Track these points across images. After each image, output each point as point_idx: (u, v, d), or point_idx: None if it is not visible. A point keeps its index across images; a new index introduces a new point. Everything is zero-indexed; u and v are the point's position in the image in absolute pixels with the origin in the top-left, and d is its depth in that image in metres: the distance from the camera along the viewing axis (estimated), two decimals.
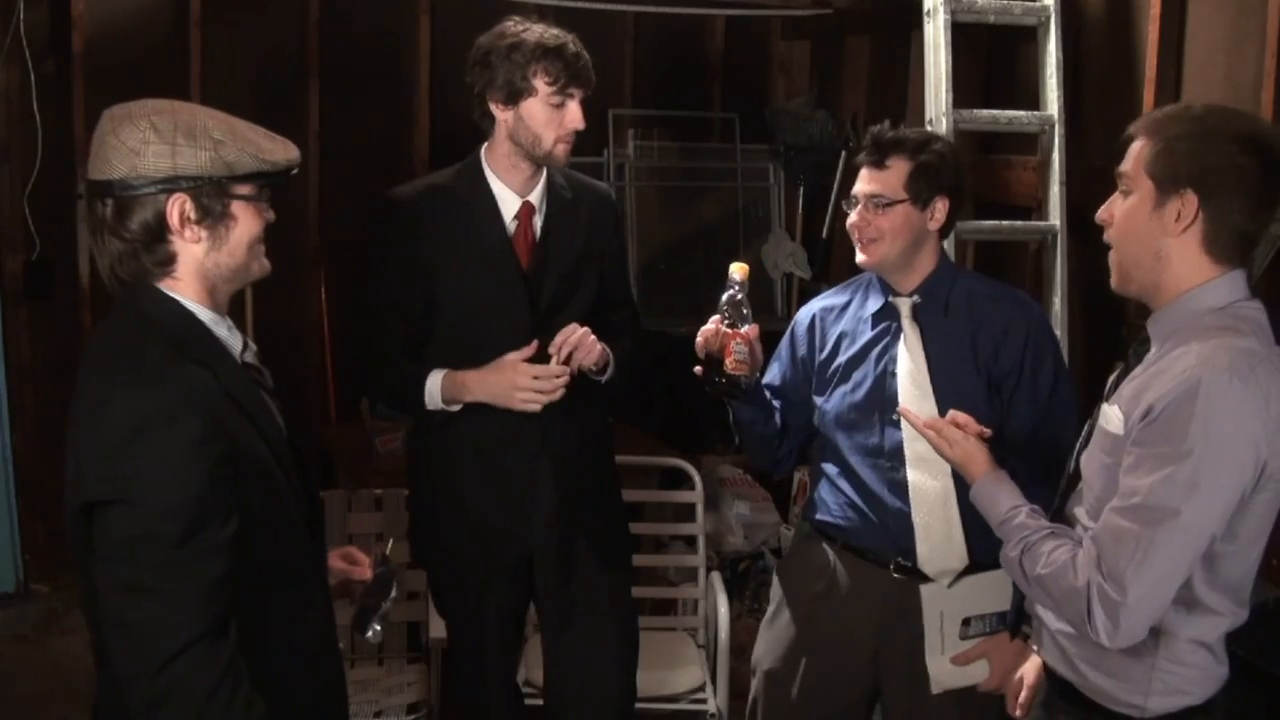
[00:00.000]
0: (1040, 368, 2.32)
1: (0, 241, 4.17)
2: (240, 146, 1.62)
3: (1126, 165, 1.76)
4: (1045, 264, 3.49)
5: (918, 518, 2.31)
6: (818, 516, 2.47)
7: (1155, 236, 1.72)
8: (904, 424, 2.28)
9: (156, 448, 1.52)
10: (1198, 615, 1.73)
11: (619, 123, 4.98)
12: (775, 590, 2.57)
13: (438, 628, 2.88)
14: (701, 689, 3.29)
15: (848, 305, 2.47)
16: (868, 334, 2.40)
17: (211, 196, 1.62)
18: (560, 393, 2.41)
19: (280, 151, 1.67)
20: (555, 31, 2.42)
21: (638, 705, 2.82)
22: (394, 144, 4.70)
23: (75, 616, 3.97)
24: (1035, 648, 2.02)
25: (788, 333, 2.56)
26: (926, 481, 2.30)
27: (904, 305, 2.36)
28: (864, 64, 4.79)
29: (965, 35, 3.53)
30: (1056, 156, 3.42)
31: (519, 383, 2.39)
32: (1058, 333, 3.42)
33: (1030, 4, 3.44)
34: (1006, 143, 3.81)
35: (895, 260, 2.34)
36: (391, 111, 4.72)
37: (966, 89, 3.57)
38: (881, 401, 2.34)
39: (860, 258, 2.36)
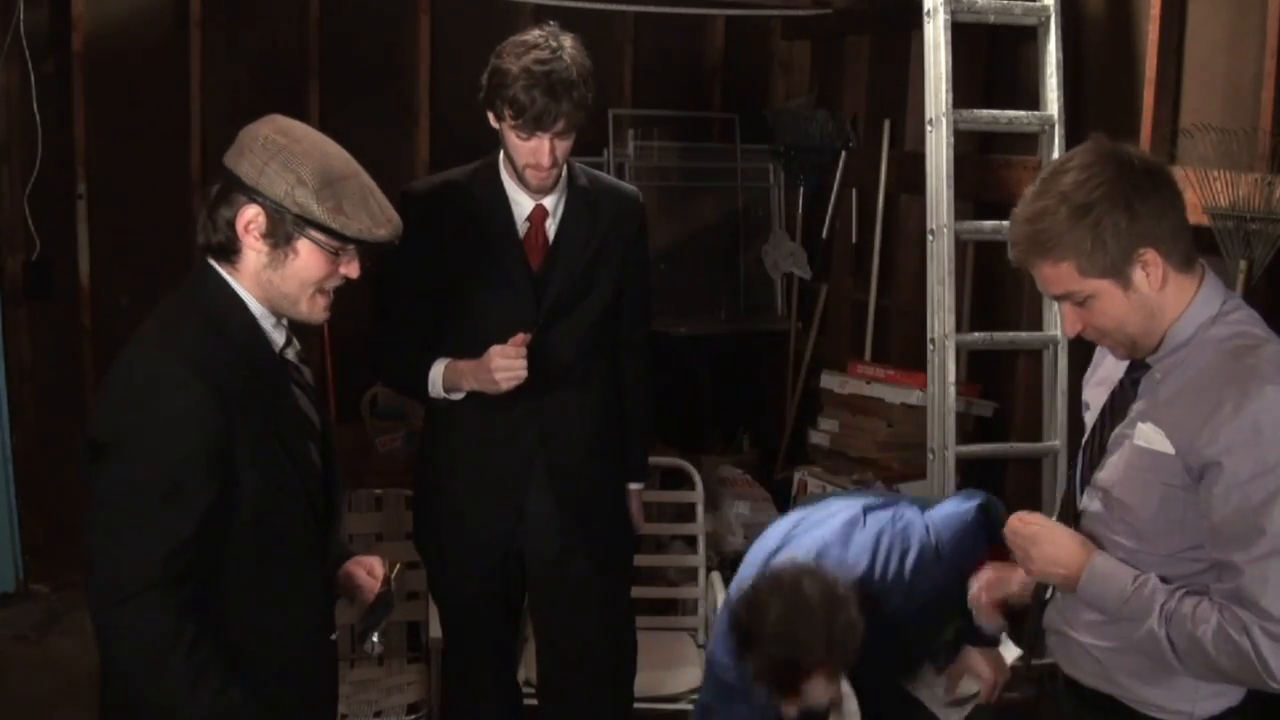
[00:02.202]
0: None
1: (0, 241, 4.18)
2: (320, 199, 1.72)
3: (1062, 288, 1.73)
4: None
5: None
6: None
7: (1145, 304, 1.72)
8: None
9: (157, 407, 1.67)
10: None
11: (619, 123, 4.97)
12: None
13: (438, 628, 2.89)
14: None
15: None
16: None
17: (280, 222, 1.73)
18: (523, 363, 2.39)
19: (354, 225, 1.74)
20: (543, 70, 2.33)
21: (637, 705, 2.82)
22: (394, 144, 4.69)
23: (75, 616, 3.96)
24: (1010, 654, 2.03)
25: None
26: None
27: None
28: (864, 64, 4.79)
29: (965, 35, 3.53)
30: (1056, 156, 3.42)
31: (492, 365, 2.40)
32: (1055, 333, 3.42)
33: (1030, 4, 3.44)
34: (1006, 143, 3.81)
35: None
36: (391, 111, 4.72)
37: (966, 89, 3.57)
38: None
39: None
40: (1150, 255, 1.68)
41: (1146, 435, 1.73)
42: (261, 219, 1.74)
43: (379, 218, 1.78)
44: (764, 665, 2.05)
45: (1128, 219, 1.67)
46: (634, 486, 2.80)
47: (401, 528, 3.32)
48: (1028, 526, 1.83)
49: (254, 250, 1.76)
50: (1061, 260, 1.70)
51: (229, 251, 1.77)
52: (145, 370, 1.70)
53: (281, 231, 1.74)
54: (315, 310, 1.83)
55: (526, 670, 3.09)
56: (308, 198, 1.71)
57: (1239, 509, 1.63)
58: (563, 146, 2.41)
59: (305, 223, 1.73)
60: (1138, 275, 1.69)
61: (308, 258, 1.77)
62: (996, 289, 3.97)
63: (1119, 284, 1.70)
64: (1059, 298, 1.76)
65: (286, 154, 1.72)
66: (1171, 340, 1.74)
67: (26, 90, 4.06)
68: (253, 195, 1.73)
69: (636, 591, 2.89)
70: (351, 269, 1.81)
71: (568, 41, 2.41)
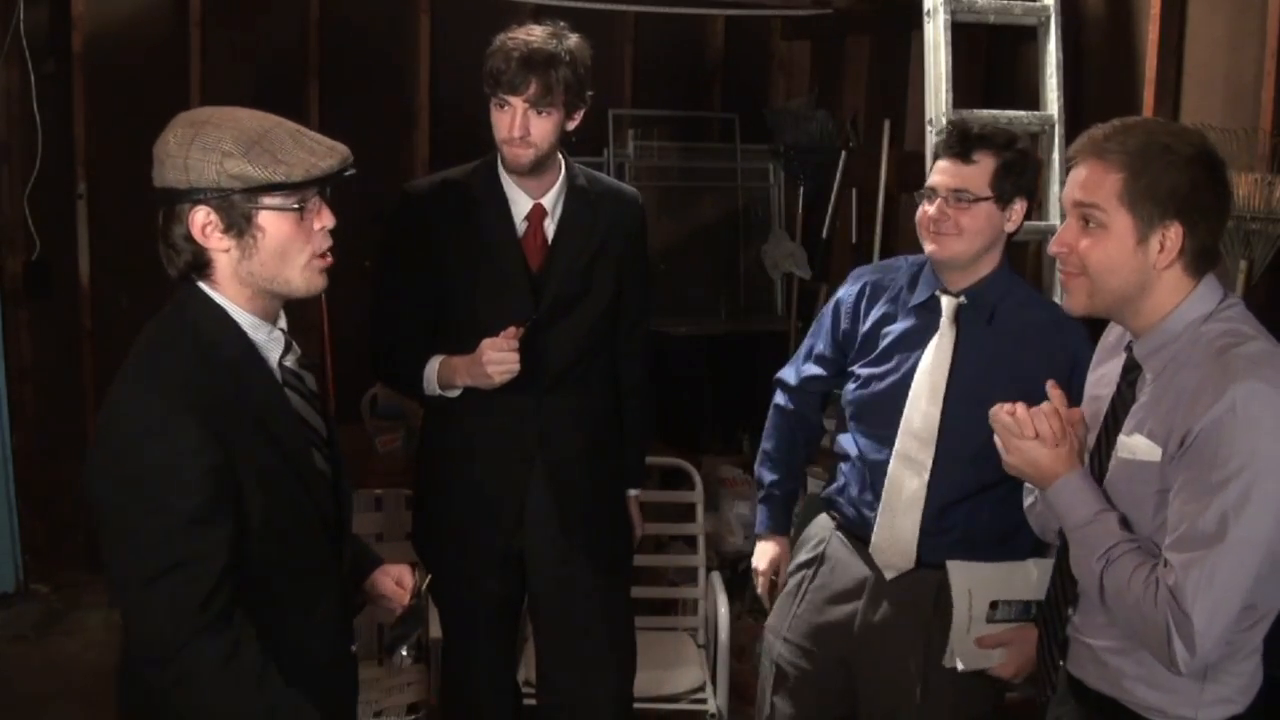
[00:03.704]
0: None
1: (0, 241, 4.18)
2: (253, 159, 1.61)
3: (1090, 196, 1.70)
4: (1045, 264, 3.50)
5: (883, 509, 2.32)
6: (827, 487, 2.50)
7: (1141, 271, 1.70)
8: (905, 420, 2.28)
9: (154, 455, 1.58)
10: (1261, 624, 1.72)
11: (619, 123, 4.98)
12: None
13: (438, 628, 2.88)
14: (701, 689, 3.29)
15: (892, 286, 2.41)
16: (906, 324, 2.35)
17: (230, 207, 1.63)
18: (515, 356, 2.37)
19: (298, 168, 1.64)
20: (526, 39, 2.37)
21: (637, 705, 2.82)
22: (394, 144, 4.70)
23: (75, 616, 3.97)
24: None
25: (834, 303, 2.49)
26: (905, 479, 2.30)
27: (948, 304, 2.30)
28: (864, 64, 4.79)
29: (965, 35, 3.53)
30: (1056, 156, 3.42)
31: (484, 359, 2.38)
32: None
33: (1030, 4, 3.44)
34: None
35: (967, 258, 2.27)
36: (391, 111, 4.72)
37: (966, 89, 3.57)
38: (896, 396, 2.31)
39: (930, 248, 2.27)
40: (1177, 234, 1.67)
41: (1130, 447, 1.73)
42: (213, 215, 1.63)
43: (319, 150, 1.66)
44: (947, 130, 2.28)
45: (1184, 189, 1.66)
46: (632, 493, 2.80)
47: (401, 528, 3.32)
48: (1023, 430, 1.79)
49: (221, 252, 1.66)
50: (1117, 171, 1.69)
51: (200, 267, 1.67)
52: (136, 417, 1.60)
53: (237, 216, 1.63)
54: (310, 279, 1.72)
55: (526, 670, 3.09)
56: (239, 165, 1.60)
57: (1184, 486, 1.63)
58: (539, 125, 2.39)
59: (252, 192, 1.62)
60: (1155, 239, 1.68)
61: (275, 228, 1.66)
62: None
63: (1136, 231, 1.69)
64: (1077, 205, 1.73)
65: (199, 139, 1.61)
66: (1161, 335, 1.73)
67: (26, 90, 4.07)
68: (192, 198, 1.62)
69: (636, 591, 2.89)
70: (325, 218, 1.71)
71: (571, 36, 2.42)
